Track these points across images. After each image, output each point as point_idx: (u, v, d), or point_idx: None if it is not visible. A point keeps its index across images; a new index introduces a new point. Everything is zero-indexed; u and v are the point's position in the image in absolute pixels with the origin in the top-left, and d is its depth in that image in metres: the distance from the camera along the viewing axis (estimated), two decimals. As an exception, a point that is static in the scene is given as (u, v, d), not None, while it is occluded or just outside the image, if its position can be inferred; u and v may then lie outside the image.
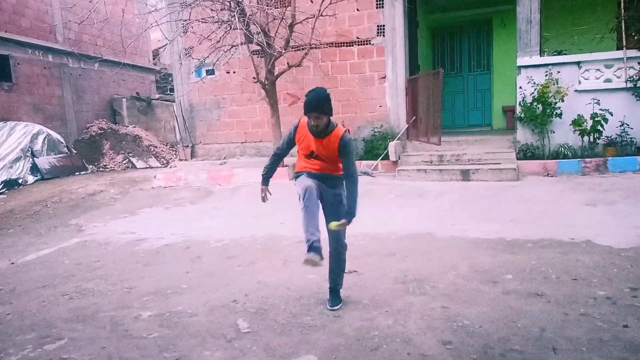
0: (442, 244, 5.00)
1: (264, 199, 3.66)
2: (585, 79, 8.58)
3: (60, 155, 12.52)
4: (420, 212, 6.48)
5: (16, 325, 3.68)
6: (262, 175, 3.69)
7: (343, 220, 3.33)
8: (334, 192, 3.50)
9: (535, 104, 8.53)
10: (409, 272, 4.23)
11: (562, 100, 8.34)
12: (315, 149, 3.39)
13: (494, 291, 3.71)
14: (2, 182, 10.55)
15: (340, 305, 3.60)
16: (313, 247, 3.22)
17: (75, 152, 13.37)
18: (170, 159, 13.96)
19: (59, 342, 3.35)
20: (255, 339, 3.20)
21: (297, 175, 3.54)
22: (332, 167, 3.45)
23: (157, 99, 16.36)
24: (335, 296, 3.65)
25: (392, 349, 2.93)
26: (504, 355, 2.77)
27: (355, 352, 2.94)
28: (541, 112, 8.48)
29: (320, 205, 3.45)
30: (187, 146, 12.10)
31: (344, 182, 3.46)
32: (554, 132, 8.60)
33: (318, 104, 3.25)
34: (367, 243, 5.21)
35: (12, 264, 5.46)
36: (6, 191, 10.41)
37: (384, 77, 10.23)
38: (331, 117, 3.38)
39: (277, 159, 3.71)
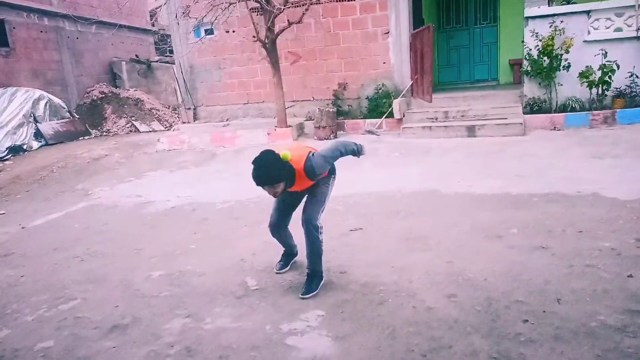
0: (446, 201, 5.00)
1: None
2: (594, 29, 8.32)
3: (63, 121, 12.48)
4: (425, 169, 6.45)
5: (30, 287, 3.76)
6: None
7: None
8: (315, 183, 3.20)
9: (541, 56, 8.32)
10: (413, 229, 4.25)
11: (567, 52, 8.12)
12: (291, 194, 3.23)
13: (498, 246, 3.73)
14: (6, 149, 10.58)
15: (311, 294, 3.15)
16: (286, 254, 3.62)
17: (77, 117, 13.31)
18: (173, 122, 13.89)
19: (72, 302, 3.43)
20: (263, 296, 3.26)
21: None
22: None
23: (157, 61, 16.11)
24: (309, 281, 3.23)
25: (398, 303, 2.99)
26: (508, 307, 2.82)
27: (361, 306, 2.99)
28: (548, 64, 8.29)
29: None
30: (189, 109, 11.99)
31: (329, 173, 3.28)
32: (561, 85, 8.43)
33: (266, 177, 2.81)
34: (372, 201, 5.23)
35: (22, 228, 5.54)
36: (11, 157, 10.45)
37: (387, 33, 9.96)
38: (289, 168, 2.91)
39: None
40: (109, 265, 4.08)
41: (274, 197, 3.10)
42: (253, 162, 2.85)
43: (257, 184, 2.86)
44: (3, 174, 9.04)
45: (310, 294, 3.17)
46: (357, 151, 3.27)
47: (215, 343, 2.73)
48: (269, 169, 2.81)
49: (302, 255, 3.80)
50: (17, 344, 2.92)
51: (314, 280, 3.25)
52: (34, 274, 4.04)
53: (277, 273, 3.56)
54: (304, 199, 3.33)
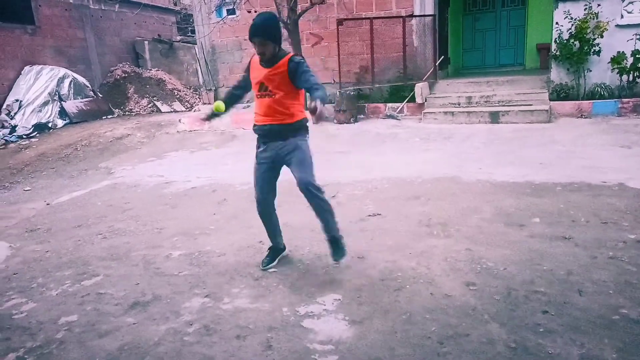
0: (467, 188, 4.94)
1: (201, 123, 3.50)
2: (628, 13, 8.01)
3: (87, 99, 12.66)
4: (446, 155, 6.37)
5: (55, 263, 3.87)
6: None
7: (314, 103, 2.79)
8: (291, 145, 3.13)
9: (572, 40, 8.07)
10: (432, 215, 4.21)
11: (602, 36, 7.86)
12: (264, 78, 3.07)
13: (519, 234, 3.68)
14: (32, 126, 10.82)
15: (344, 257, 3.24)
16: (273, 249, 3.52)
17: (100, 96, 13.48)
18: (194, 102, 13.97)
19: (95, 278, 3.52)
20: (281, 278, 3.29)
21: (253, 129, 3.27)
22: (283, 109, 3.08)
23: (179, 41, 16.15)
24: (336, 247, 3.23)
25: (416, 290, 2.98)
26: (528, 297, 2.78)
27: (378, 292, 2.99)
28: (578, 49, 8.04)
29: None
30: (210, 90, 12.03)
31: (302, 130, 3.18)
32: (590, 71, 8.18)
33: (261, 27, 2.95)
34: (391, 186, 5.19)
35: (47, 204, 5.68)
36: (37, 135, 10.68)
37: (411, 15, 9.76)
38: (281, 46, 3.07)
39: (234, 96, 3.38)
40: (130, 243, 4.16)
41: (262, 60, 3.05)
42: (254, 17, 3.04)
43: (251, 34, 2.97)
44: (29, 151, 9.25)
45: (345, 256, 3.23)
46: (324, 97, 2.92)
47: (233, 323, 2.77)
48: (267, 19, 3.01)
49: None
50: (42, 317, 3.01)
51: (338, 243, 3.25)
52: (58, 250, 4.14)
53: (262, 269, 3.40)
54: (281, 171, 3.32)
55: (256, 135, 3.29)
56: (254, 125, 3.27)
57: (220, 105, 3.21)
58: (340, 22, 9.35)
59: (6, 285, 3.52)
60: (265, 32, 2.96)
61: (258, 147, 3.30)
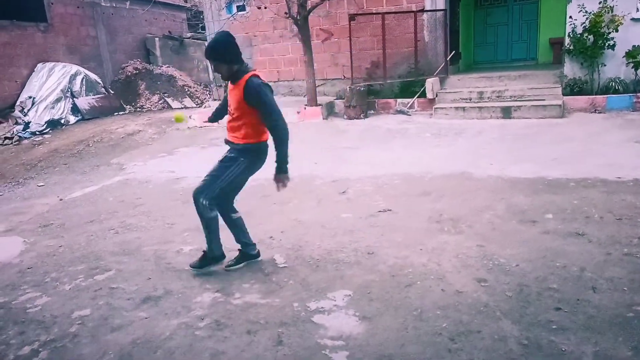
0: (479, 184, 4.90)
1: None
2: (644, 6, 7.88)
3: (99, 96, 12.75)
4: (457, 151, 6.32)
5: (68, 258, 3.91)
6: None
7: (278, 177, 3.28)
8: (228, 153, 3.28)
9: (586, 34, 7.96)
10: (444, 212, 4.19)
11: (616, 30, 7.73)
12: (229, 95, 3.18)
13: (532, 231, 3.64)
14: (45, 123, 10.92)
15: (197, 269, 3.38)
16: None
17: (112, 92, 13.57)
18: (205, 99, 14.00)
19: (107, 273, 3.55)
20: (291, 273, 3.29)
21: None
22: (236, 128, 3.14)
23: (189, 38, 16.19)
24: (201, 258, 3.40)
25: (426, 286, 2.96)
26: (541, 294, 2.76)
27: (389, 288, 2.98)
28: (592, 43, 7.92)
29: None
30: (220, 86, 12.05)
31: (246, 152, 3.24)
32: (604, 66, 8.06)
33: (212, 50, 3.01)
34: (402, 182, 5.17)
35: (60, 200, 5.74)
36: (50, 131, 10.78)
37: (422, 9, 9.68)
38: (242, 64, 3.06)
39: (218, 112, 3.59)
40: (142, 238, 4.19)
41: (218, 74, 3.15)
42: (213, 37, 3.15)
43: (205, 55, 3.09)
44: (42, 147, 9.36)
45: (195, 269, 3.39)
46: (284, 138, 3.21)
47: (244, 318, 2.78)
48: (218, 41, 3.04)
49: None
50: (56, 311, 3.05)
51: (204, 259, 3.39)
52: (71, 245, 4.19)
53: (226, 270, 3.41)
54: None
55: None
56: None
57: (180, 116, 3.38)
58: (352, 17, 9.29)
59: (21, 279, 3.57)
60: (214, 54, 3.01)
61: None
